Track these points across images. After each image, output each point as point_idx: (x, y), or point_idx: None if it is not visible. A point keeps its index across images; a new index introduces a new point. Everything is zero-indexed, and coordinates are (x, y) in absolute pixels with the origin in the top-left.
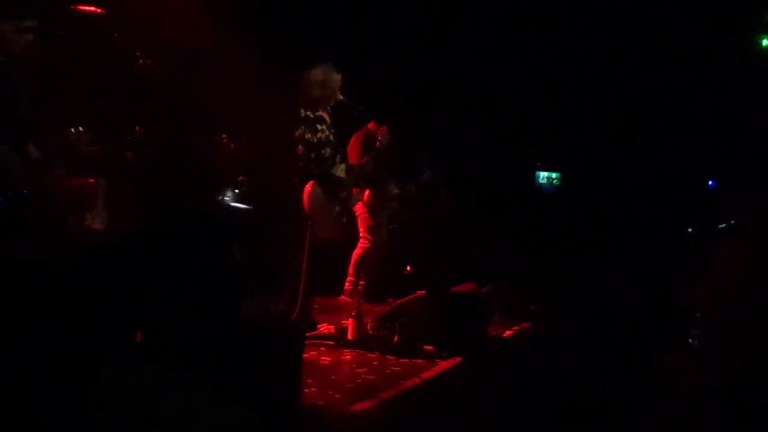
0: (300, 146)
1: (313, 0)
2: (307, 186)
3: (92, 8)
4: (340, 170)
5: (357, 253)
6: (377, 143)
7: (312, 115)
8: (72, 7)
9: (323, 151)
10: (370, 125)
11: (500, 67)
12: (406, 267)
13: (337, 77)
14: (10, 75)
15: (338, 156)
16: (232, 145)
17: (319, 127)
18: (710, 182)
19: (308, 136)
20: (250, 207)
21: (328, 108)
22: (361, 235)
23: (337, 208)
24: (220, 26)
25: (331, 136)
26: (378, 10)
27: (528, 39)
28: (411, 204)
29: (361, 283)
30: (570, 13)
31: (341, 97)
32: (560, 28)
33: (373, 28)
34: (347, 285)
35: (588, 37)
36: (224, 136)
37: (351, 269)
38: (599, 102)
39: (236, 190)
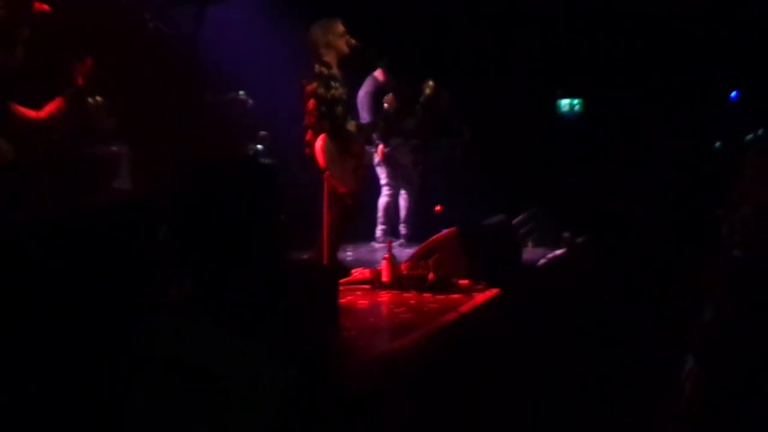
0: (312, 100)
1: None
2: (318, 141)
3: None
4: (351, 126)
5: (382, 200)
6: (384, 105)
7: (326, 72)
8: None
9: (336, 108)
10: (378, 74)
11: None
12: (435, 206)
13: (336, 24)
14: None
15: (350, 114)
16: (250, 101)
17: (333, 84)
18: (733, 93)
19: (321, 91)
20: (274, 161)
21: (338, 64)
22: (383, 183)
23: (352, 162)
24: None
25: (344, 95)
26: None
27: None
28: (434, 146)
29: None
30: None
31: (353, 41)
32: None
33: None
34: (378, 232)
35: None
36: (241, 92)
37: (380, 217)
38: (614, 17)
39: (259, 146)
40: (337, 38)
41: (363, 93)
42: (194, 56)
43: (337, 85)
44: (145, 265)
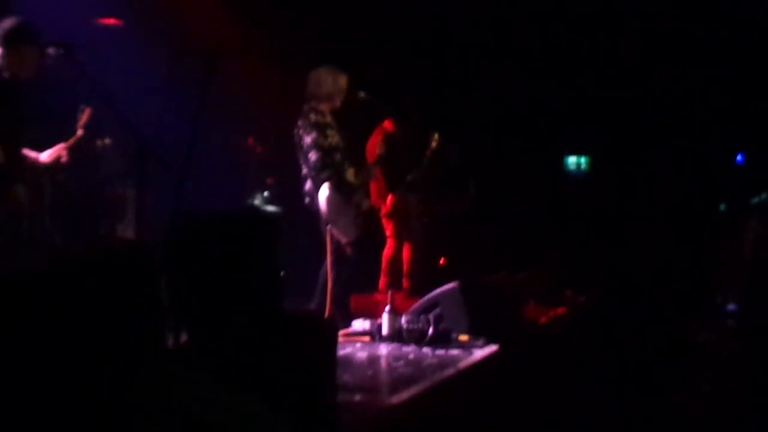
0: (314, 151)
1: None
2: (323, 191)
3: (113, 20)
4: (350, 174)
5: (387, 253)
6: (379, 150)
7: (322, 120)
8: (94, 20)
9: (335, 156)
10: (386, 124)
11: (518, 51)
12: (440, 260)
13: (342, 78)
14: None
15: (347, 161)
16: (259, 149)
17: (328, 132)
18: (738, 156)
19: (320, 140)
20: (279, 209)
21: (335, 112)
22: (388, 234)
23: (353, 211)
24: (239, 29)
25: (341, 142)
26: (394, 6)
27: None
28: (440, 199)
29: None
30: None
31: (362, 94)
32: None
33: (387, 22)
34: (381, 284)
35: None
36: (251, 139)
37: (384, 268)
38: (624, 75)
39: (265, 193)
40: (337, 92)
41: (372, 139)
42: (204, 104)
43: (333, 132)
44: (142, 315)
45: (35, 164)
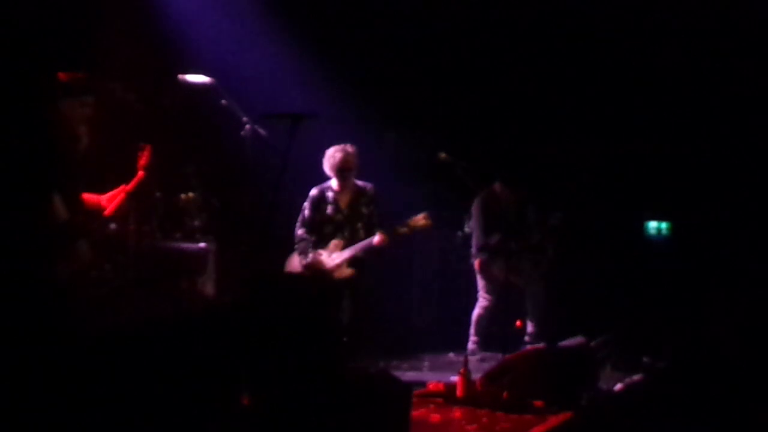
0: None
1: (412, 65)
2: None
3: (198, 77)
4: (334, 246)
5: (477, 312)
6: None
7: (317, 193)
8: (179, 76)
9: (325, 228)
10: (496, 186)
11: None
12: (516, 322)
13: (337, 155)
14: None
15: (340, 234)
16: None
17: (322, 206)
18: None
19: (307, 213)
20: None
21: (348, 183)
22: (480, 294)
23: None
24: (322, 93)
25: (340, 215)
26: (474, 66)
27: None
28: (522, 260)
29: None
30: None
31: (443, 155)
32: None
33: (474, 88)
34: (470, 344)
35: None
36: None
37: (472, 328)
38: (701, 146)
39: None
40: (331, 168)
41: (475, 203)
42: (286, 165)
43: (326, 206)
44: (218, 374)
45: (98, 214)
